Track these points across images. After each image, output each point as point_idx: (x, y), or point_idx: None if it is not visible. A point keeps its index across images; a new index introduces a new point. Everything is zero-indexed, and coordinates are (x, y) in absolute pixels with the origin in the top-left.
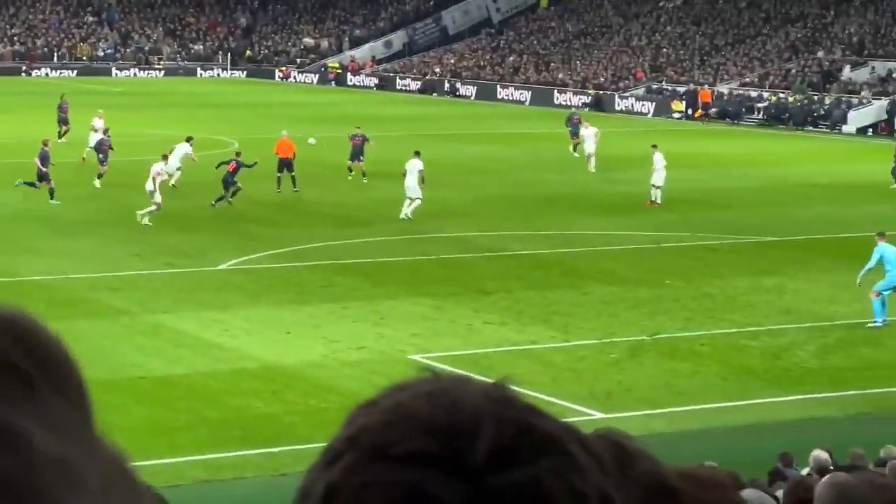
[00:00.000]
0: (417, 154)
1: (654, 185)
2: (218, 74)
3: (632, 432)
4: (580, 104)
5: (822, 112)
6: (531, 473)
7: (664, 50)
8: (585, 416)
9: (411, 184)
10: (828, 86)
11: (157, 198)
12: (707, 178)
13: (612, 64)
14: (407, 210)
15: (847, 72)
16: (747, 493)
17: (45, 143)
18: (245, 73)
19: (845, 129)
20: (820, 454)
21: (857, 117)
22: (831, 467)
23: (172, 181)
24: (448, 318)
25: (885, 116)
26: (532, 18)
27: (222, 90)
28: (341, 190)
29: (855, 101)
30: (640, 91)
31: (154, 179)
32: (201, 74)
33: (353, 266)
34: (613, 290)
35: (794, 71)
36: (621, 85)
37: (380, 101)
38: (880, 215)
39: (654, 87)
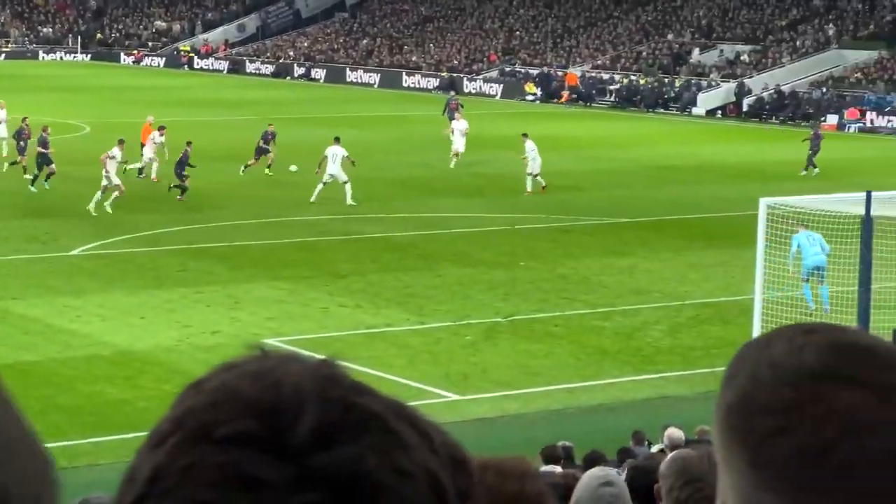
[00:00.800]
0: (337, 140)
1: (529, 174)
2: (61, 58)
3: (487, 414)
4: (431, 87)
5: (673, 94)
6: (354, 451)
7: (517, 33)
8: (441, 398)
9: (335, 170)
10: (678, 68)
11: (115, 181)
12: (560, 160)
13: (466, 47)
14: (349, 197)
15: (696, 55)
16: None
17: (44, 129)
18: (90, 56)
19: (695, 111)
20: (673, 431)
21: (707, 99)
22: (683, 443)
23: (153, 175)
24: (302, 302)
25: (733, 98)
26: (386, 1)
27: (69, 73)
28: (194, 174)
29: (704, 83)
30: (494, 73)
31: (104, 164)
32: (43, 58)
33: (208, 250)
34: (468, 272)
35: (644, 54)
36: (475, 67)
37: (232, 84)
38: (730, 196)
39: (507, 69)
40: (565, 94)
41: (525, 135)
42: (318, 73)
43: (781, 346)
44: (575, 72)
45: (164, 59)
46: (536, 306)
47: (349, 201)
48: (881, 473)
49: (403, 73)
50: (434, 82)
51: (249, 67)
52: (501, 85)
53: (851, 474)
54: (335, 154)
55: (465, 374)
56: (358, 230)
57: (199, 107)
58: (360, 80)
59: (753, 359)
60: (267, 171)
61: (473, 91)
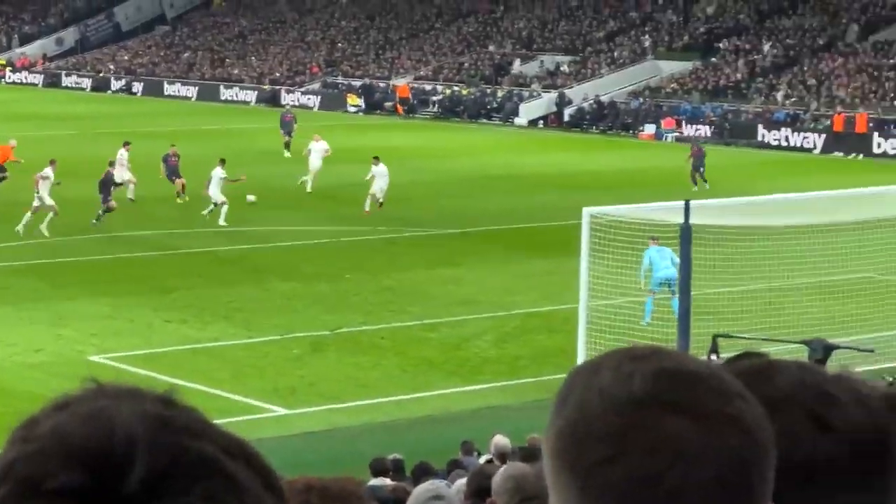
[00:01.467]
0: (222, 162)
1: (372, 194)
2: None
3: (315, 427)
4: (252, 100)
5: (495, 105)
6: (186, 502)
7: (339, 45)
8: (269, 412)
9: (213, 192)
10: (499, 79)
11: (48, 202)
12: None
13: (288, 59)
14: (222, 220)
15: (517, 65)
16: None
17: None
18: None
19: (517, 121)
20: (500, 440)
21: (528, 109)
22: (510, 451)
23: (129, 195)
24: (127, 318)
25: (554, 109)
26: (206, 14)
27: None
28: (8, 188)
29: (525, 94)
30: (316, 86)
31: (37, 184)
32: None
33: (31, 267)
34: (294, 285)
35: (466, 65)
36: (297, 80)
37: (48, 98)
38: (554, 205)
39: (330, 81)
40: (399, 106)
41: (376, 158)
42: (137, 87)
43: (610, 373)
44: (405, 83)
45: None
46: (363, 318)
47: (222, 222)
48: (709, 499)
49: (221, 86)
50: (253, 95)
51: (67, 81)
52: (320, 97)
53: (680, 501)
54: (216, 175)
55: (293, 388)
56: (185, 245)
57: (16, 121)
58: (178, 94)
59: (582, 386)
60: (178, 199)
61: (292, 103)
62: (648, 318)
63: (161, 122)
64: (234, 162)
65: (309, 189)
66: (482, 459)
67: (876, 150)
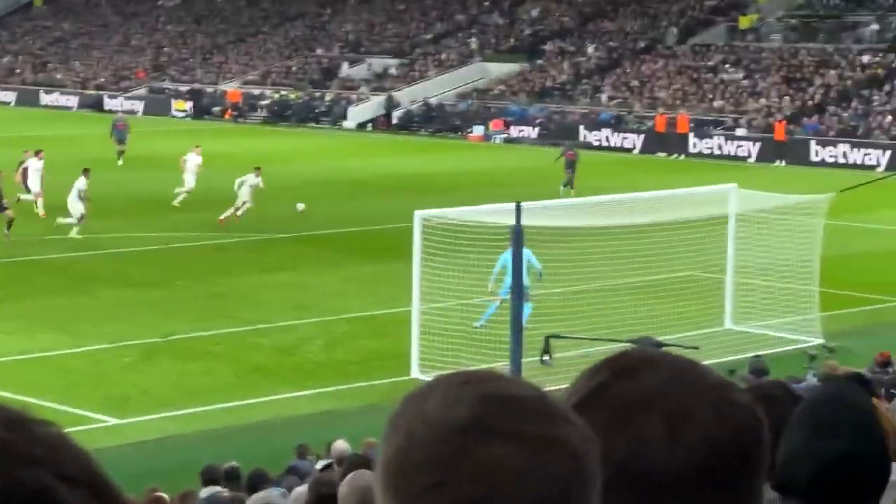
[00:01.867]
0: (85, 172)
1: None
2: None
3: (149, 436)
4: (74, 105)
5: (324, 108)
6: None
7: (165, 49)
8: (100, 422)
9: (73, 199)
10: (328, 83)
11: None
12: (214, 176)
13: (113, 64)
14: (75, 232)
15: (345, 69)
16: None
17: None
18: None
19: (346, 124)
20: (340, 444)
21: (357, 113)
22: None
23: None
24: None
25: (382, 111)
26: (27, 17)
27: None
28: None
29: (354, 97)
30: (142, 91)
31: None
32: None
33: None
34: (125, 292)
35: (294, 69)
36: (123, 85)
37: None
38: (385, 209)
39: (156, 86)
40: (229, 111)
41: (258, 168)
42: None
43: (436, 400)
44: (236, 88)
45: None
46: (194, 325)
47: (74, 233)
48: None
49: (41, 91)
50: (75, 100)
51: None
52: (144, 102)
53: None
54: (77, 185)
55: (126, 397)
56: (6, 254)
57: None
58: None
59: (410, 415)
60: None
61: (116, 108)
62: (483, 322)
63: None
64: (64, 169)
65: (176, 203)
66: (320, 464)
67: (692, 150)
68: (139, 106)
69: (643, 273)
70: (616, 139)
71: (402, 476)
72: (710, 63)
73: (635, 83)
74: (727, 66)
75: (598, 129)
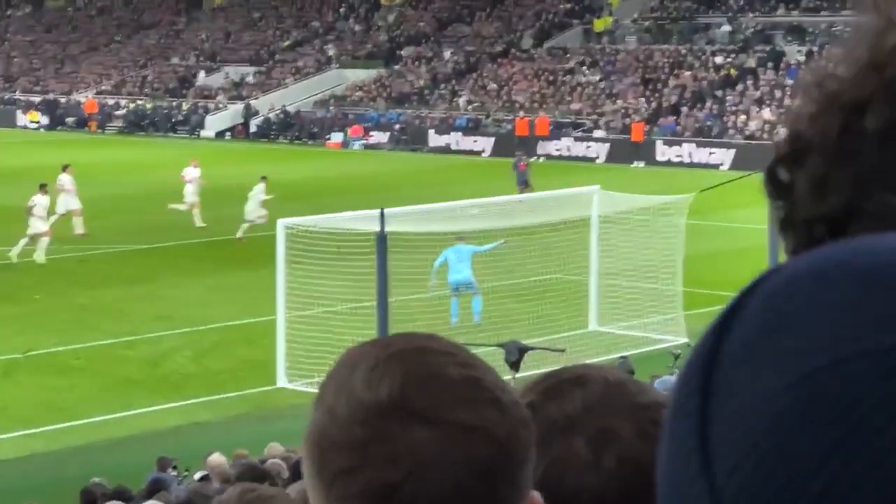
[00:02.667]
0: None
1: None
2: None
3: (12, 455)
4: None
5: (181, 117)
6: None
7: (16, 59)
8: None
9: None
10: (185, 91)
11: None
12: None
13: None
14: (39, 254)
15: (202, 77)
16: None
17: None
18: None
19: (204, 133)
20: (216, 458)
21: (215, 121)
22: (228, 468)
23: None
24: None
25: (240, 120)
26: None
27: None
28: None
29: (211, 105)
30: None
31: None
32: None
33: None
34: None
35: (150, 77)
36: None
37: None
38: (242, 217)
39: (7, 97)
40: (93, 123)
41: (264, 177)
42: None
43: (362, 374)
44: (92, 98)
45: None
46: (56, 339)
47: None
48: None
49: None
50: None
51: None
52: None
53: None
54: (40, 201)
55: None
56: None
57: None
58: None
59: (336, 385)
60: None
61: None
62: (456, 319)
63: None
64: None
65: (199, 224)
66: (198, 475)
67: (553, 153)
68: None
69: (507, 277)
70: (466, 143)
71: (319, 455)
72: (567, 66)
73: (493, 86)
74: (584, 68)
75: (448, 133)
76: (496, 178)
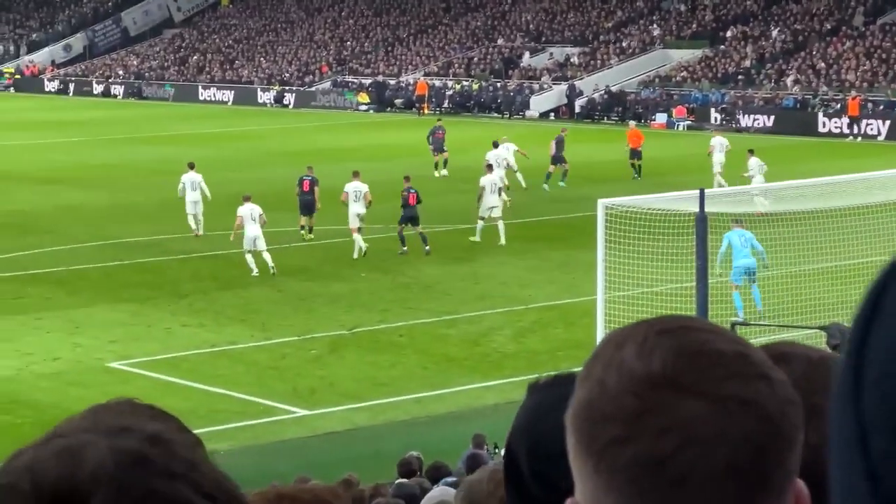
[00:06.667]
0: (192, 166)
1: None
2: None
3: (336, 427)
4: (267, 101)
5: (506, 98)
6: None
7: (348, 43)
8: (289, 413)
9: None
10: (509, 72)
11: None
12: (395, 168)
13: (297, 59)
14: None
15: (527, 58)
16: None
17: None
18: None
19: (528, 114)
20: None
21: (539, 102)
22: None
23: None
24: (145, 323)
25: (564, 101)
26: (214, 16)
27: None
28: (22, 198)
29: (536, 86)
30: (326, 85)
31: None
32: None
33: (44, 276)
34: (309, 285)
35: (476, 59)
36: (307, 80)
37: (64, 106)
38: (568, 198)
39: (339, 80)
40: (426, 105)
41: (751, 150)
42: (149, 91)
43: (632, 348)
44: (422, 80)
45: None
46: (380, 317)
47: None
48: (717, 486)
49: (258, 89)
50: (269, 96)
51: (79, 87)
52: (330, 96)
53: (685, 486)
54: (192, 181)
55: (313, 389)
56: (197, 248)
57: (34, 129)
58: (213, 98)
59: (605, 361)
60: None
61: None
62: (742, 314)
63: (174, 127)
64: (247, 164)
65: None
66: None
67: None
68: (324, 100)
69: (831, 258)
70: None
71: (589, 425)
72: None
73: (821, 66)
74: None
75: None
76: (827, 158)
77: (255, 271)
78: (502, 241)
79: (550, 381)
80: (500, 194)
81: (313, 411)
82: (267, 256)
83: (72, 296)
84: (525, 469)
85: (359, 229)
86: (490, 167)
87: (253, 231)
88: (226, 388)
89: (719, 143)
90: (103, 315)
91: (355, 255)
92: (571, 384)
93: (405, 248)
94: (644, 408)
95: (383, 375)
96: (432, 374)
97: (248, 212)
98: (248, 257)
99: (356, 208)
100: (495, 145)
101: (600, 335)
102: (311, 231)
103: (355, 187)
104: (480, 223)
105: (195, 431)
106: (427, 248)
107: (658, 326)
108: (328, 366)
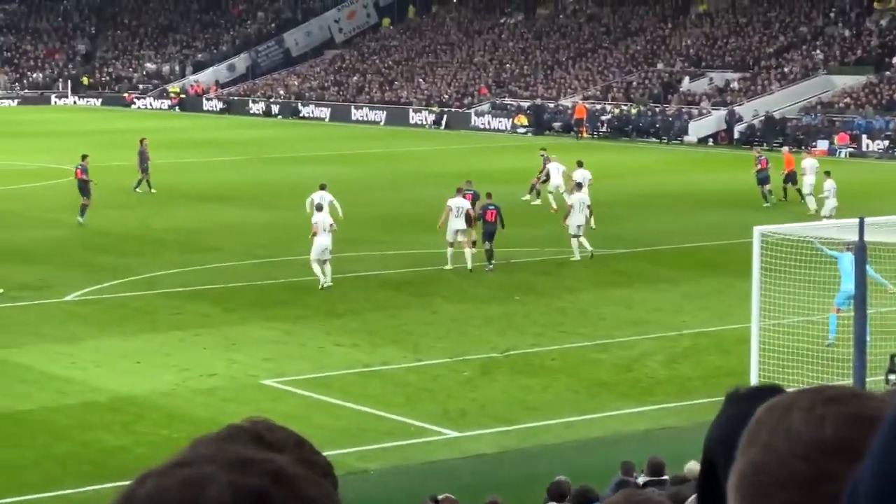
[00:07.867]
0: (323, 187)
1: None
2: (74, 102)
3: (486, 450)
4: (427, 123)
5: (664, 123)
6: None
7: (507, 66)
8: (440, 435)
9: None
10: (668, 97)
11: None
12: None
13: (456, 80)
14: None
15: (686, 83)
16: None
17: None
18: (90, 100)
19: (686, 139)
20: (693, 465)
21: (698, 128)
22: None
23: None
24: (299, 342)
25: (724, 126)
26: (374, 38)
27: (63, 118)
28: (186, 216)
29: (695, 111)
30: (485, 107)
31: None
32: (55, 102)
33: (203, 292)
34: (463, 307)
35: (635, 83)
36: (465, 101)
37: (226, 125)
38: (724, 224)
39: (498, 102)
40: (584, 128)
41: (827, 172)
42: (314, 111)
43: (800, 415)
44: (581, 103)
45: (159, 101)
46: (533, 340)
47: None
48: None
49: (410, 110)
50: (431, 118)
51: (240, 107)
52: (489, 118)
53: None
54: (323, 198)
55: (464, 411)
56: (351, 268)
57: (195, 148)
58: (365, 118)
59: (771, 426)
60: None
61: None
62: (833, 337)
63: (334, 146)
64: (402, 184)
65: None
66: (641, 479)
67: None
68: (484, 121)
69: None
70: None
71: (757, 490)
72: None
73: None
74: None
75: None
76: None
77: (324, 280)
78: (577, 256)
79: (752, 393)
80: (590, 212)
81: (464, 433)
82: (328, 269)
83: (228, 313)
84: (725, 480)
85: (473, 243)
86: (579, 185)
87: (325, 241)
88: (377, 409)
89: (810, 166)
90: (258, 332)
91: (448, 267)
92: (772, 396)
93: (491, 265)
94: (817, 474)
95: (534, 399)
96: (583, 399)
97: (322, 221)
98: (315, 266)
99: (456, 224)
100: (579, 164)
101: (755, 363)
102: (473, 245)
103: (458, 203)
104: (575, 241)
105: (344, 451)
106: (490, 265)
107: (824, 395)
108: (479, 388)
